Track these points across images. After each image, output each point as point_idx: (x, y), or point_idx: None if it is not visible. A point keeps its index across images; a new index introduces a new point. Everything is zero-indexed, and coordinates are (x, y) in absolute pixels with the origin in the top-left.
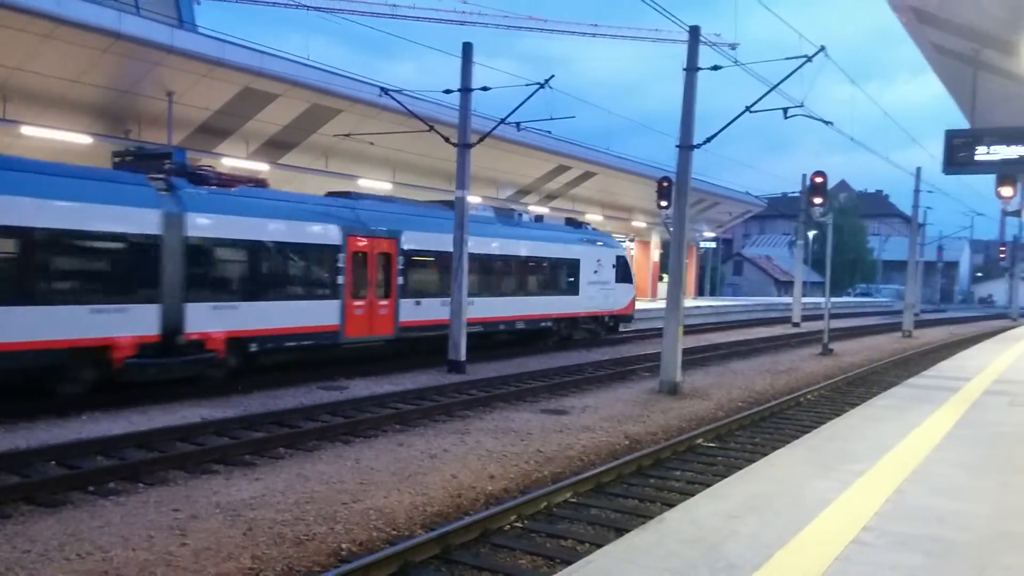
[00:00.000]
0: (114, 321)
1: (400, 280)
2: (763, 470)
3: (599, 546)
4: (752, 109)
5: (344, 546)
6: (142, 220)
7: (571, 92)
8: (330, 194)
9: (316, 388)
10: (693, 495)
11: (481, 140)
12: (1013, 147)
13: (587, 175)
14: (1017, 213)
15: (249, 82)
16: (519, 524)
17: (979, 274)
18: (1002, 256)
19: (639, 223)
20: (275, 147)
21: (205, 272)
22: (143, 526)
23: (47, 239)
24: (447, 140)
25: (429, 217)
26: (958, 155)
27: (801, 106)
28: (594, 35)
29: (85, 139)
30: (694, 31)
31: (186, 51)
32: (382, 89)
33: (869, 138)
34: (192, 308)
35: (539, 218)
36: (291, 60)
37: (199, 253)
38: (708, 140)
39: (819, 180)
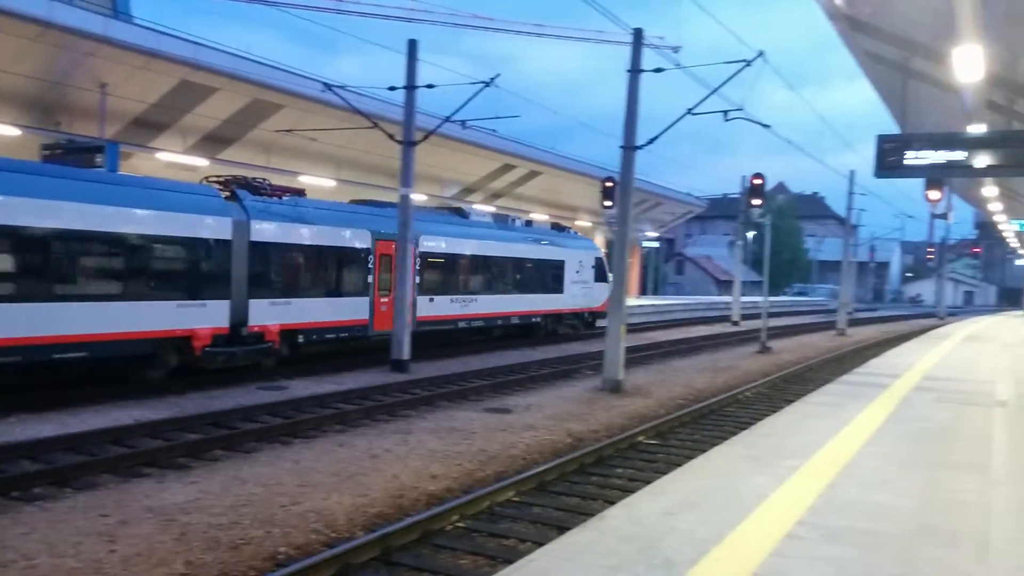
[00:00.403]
0: (195, 315)
1: (417, 279)
2: (701, 466)
3: (540, 545)
4: (694, 111)
5: (282, 550)
6: (218, 227)
7: (516, 91)
8: (354, 202)
9: (255, 388)
10: (633, 492)
11: (426, 138)
12: (940, 152)
13: (532, 174)
14: (944, 216)
15: (186, 75)
16: (461, 524)
17: (909, 274)
18: (930, 257)
19: (583, 222)
20: (214, 142)
21: (265, 272)
22: (70, 532)
23: (150, 243)
24: (391, 137)
25: (440, 223)
26: (889, 159)
27: (741, 109)
28: (539, 35)
29: (13, 131)
30: (637, 34)
31: (120, 42)
32: (325, 85)
33: (806, 142)
34: (254, 304)
35: (528, 222)
36: (230, 53)
37: (260, 255)
38: (651, 141)
39: (757, 182)
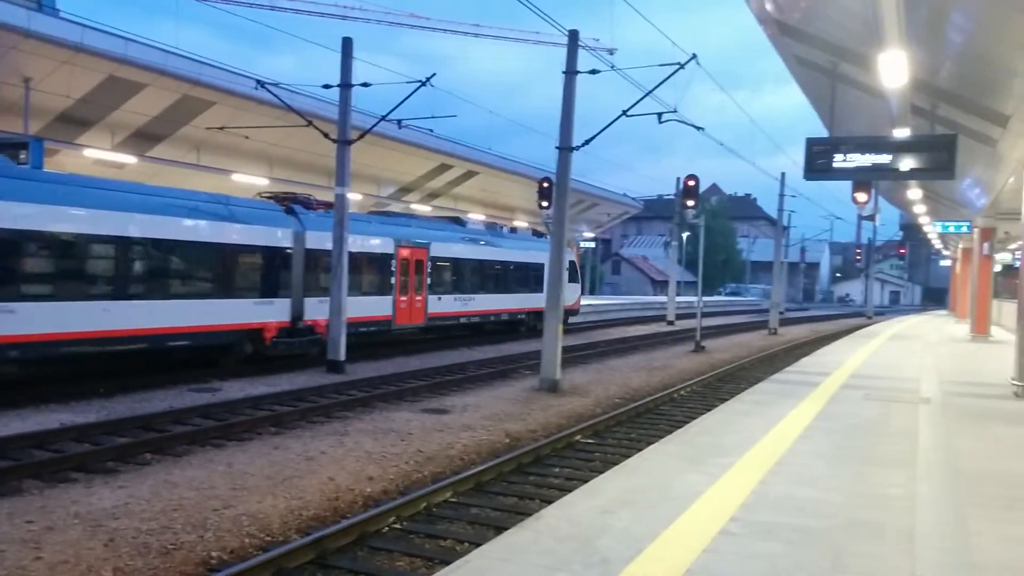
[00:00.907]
0: (266, 310)
1: (428, 280)
2: (637, 465)
3: (477, 545)
4: (628, 113)
5: (214, 554)
6: (283, 237)
7: (453, 91)
8: (372, 213)
9: (186, 391)
10: (570, 491)
11: (361, 137)
12: (867, 155)
13: (469, 174)
14: (871, 217)
15: (114, 70)
16: (398, 526)
17: (838, 274)
18: (858, 258)
19: (521, 223)
20: (143, 139)
21: (316, 275)
22: None
23: (237, 251)
24: (326, 136)
25: (447, 231)
26: (818, 162)
27: (675, 112)
28: (476, 35)
29: None
30: (573, 35)
31: (45, 36)
32: (258, 82)
33: (739, 144)
34: (308, 301)
35: (513, 230)
36: (160, 48)
37: (312, 260)
38: (587, 142)
39: (691, 183)
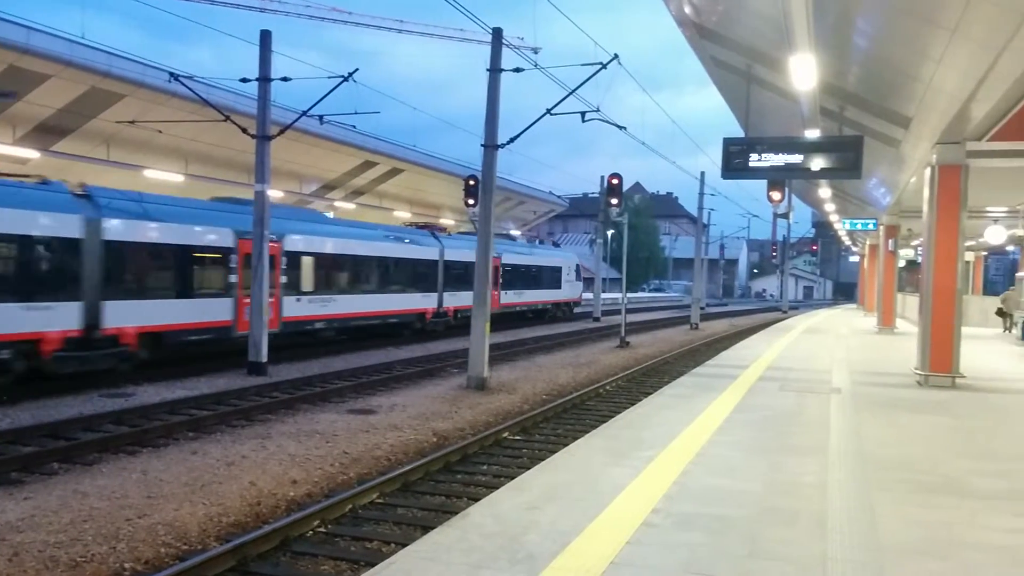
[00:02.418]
0: (420, 300)
1: (283, 279)
2: (563, 460)
3: (404, 546)
4: (552, 112)
5: (127, 565)
6: (434, 253)
7: (378, 87)
8: (219, 200)
9: (98, 396)
10: (497, 489)
11: (282, 132)
12: (780, 155)
13: (394, 171)
14: (786, 215)
15: (15, 60)
16: (322, 529)
17: (755, 271)
18: (774, 255)
19: (448, 220)
20: (47, 133)
21: (448, 277)
22: None
23: (415, 263)
24: (245, 131)
25: (462, 239)
26: (734, 161)
27: (598, 111)
28: (400, 31)
29: None
30: (497, 33)
31: None
32: (171, 74)
33: (660, 143)
34: (447, 295)
35: (541, 242)
36: (64, 38)
37: (447, 267)
38: (512, 140)
39: (615, 182)
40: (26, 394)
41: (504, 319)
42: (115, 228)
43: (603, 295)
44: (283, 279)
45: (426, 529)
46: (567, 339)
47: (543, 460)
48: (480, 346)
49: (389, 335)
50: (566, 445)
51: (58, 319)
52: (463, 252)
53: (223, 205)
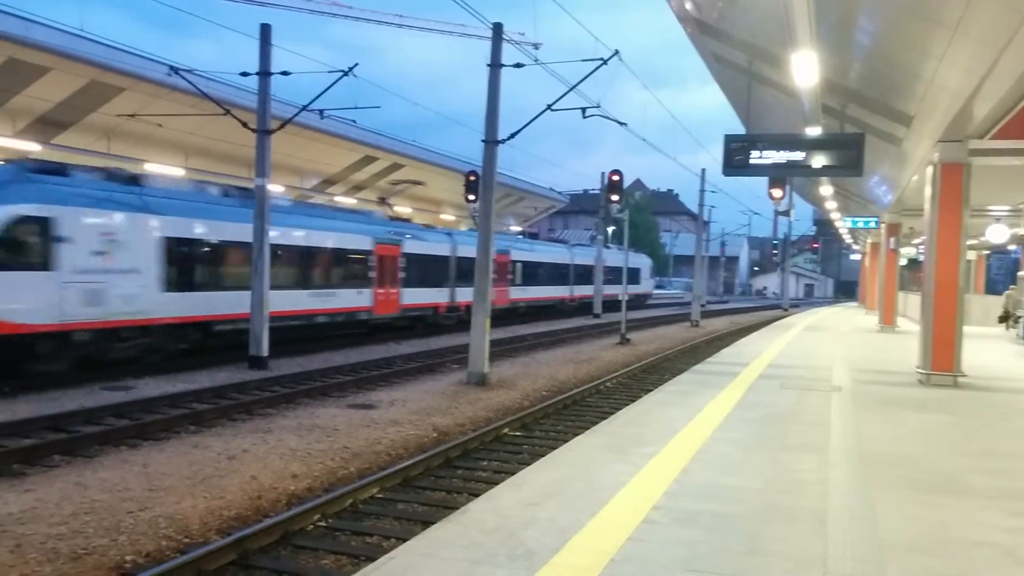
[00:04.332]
0: (441, 295)
1: (510, 277)
2: (563, 456)
3: (404, 541)
4: (553, 107)
5: (128, 558)
6: (446, 249)
7: (379, 82)
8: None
9: (99, 389)
10: (497, 484)
11: (282, 127)
12: (782, 152)
13: (395, 167)
14: (787, 213)
15: (14, 52)
16: (323, 523)
17: (756, 268)
18: (775, 252)
19: (448, 216)
20: (48, 125)
21: (462, 273)
22: None
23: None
24: (245, 125)
25: (521, 241)
26: (735, 158)
27: (598, 107)
28: (400, 26)
29: None
30: (497, 28)
31: None
32: (171, 68)
33: (661, 140)
34: (459, 290)
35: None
36: (64, 31)
37: (459, 264)
38: (512, 136)
39: (616, 178)
40: (27, 387)
41: (604, 306)
42: (457, 249)
43: (603, 290)
44: (402, 275)
45: (426, 524)
46: (567, 335)
47: (543, 456)
48: (480, 342)
49: (404, 328)
50: (566, 441)
51: (441, 296)
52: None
53: (359, 217)
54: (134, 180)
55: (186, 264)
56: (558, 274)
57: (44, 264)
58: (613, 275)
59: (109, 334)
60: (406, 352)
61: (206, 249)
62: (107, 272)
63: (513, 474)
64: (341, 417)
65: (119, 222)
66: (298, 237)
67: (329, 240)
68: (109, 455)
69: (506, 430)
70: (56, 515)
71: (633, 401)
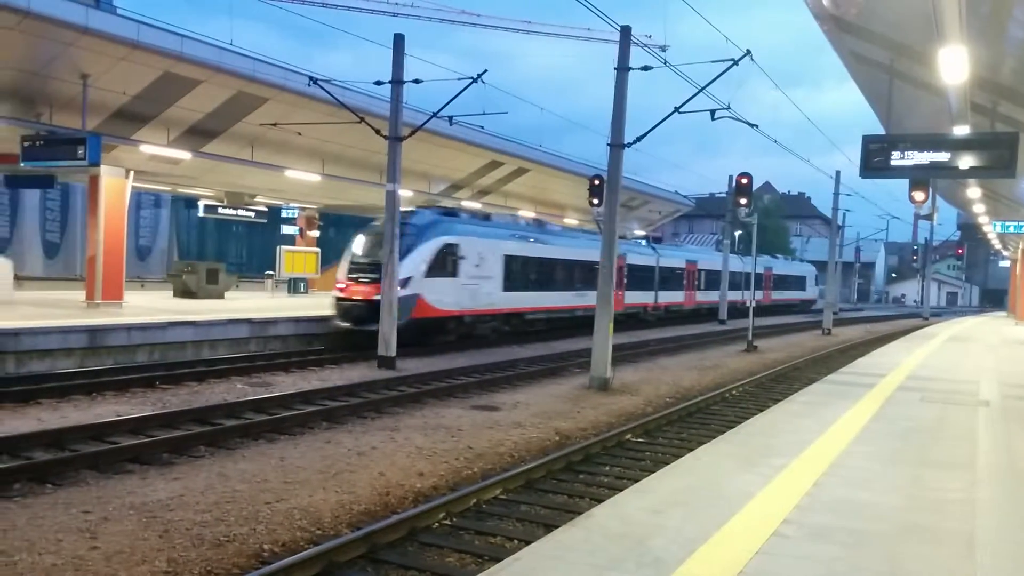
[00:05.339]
0: (647, 298)
1: (625, 280)
2: (689, 465)
3: (528, 543)
4: (681, 110)
5: (266, 547)
6: (653, 259)
7: (505, 88)
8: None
9: (239, 384)
10: (621, 490)
11: (413, 133)
12: (925, 153)
13: (520, 171)
14: (929, 217)
15: (169, 66)
16: (448, 522)
17: (893, 275)
18: (915, 258)
19: (571, 220)
20: (198, 135)
21: (664, 279)
22: (51, 529)
23: (678, 271)
24: (378, 132)
25: (638, 246)
26: (874, 160)
27: (728, 108)
28: (527, 32)
29: None
30: (625, 31)
31: (102, 32)
32: (311, 79)
33: (793, 141)
34: (662, 293)
35: (658, 239)
36: (215, 45)
37: (661, 273)
38: (638, 139)
39: (744, 181)
40: (174, 379)
41: (765, 311)
42: (660, 260)
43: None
44: (624, 281)
45: (548, 527)
46: (692, 341)
47: (667, 464)
48: (603, 346)
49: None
50: (691, 449)
51: (647, 297)
52: (671, 259)
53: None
54: (486, 217)
55: (513, 273)
56: (729, 281)
57: (454, 273)
58: (778, 283)
59: (479, 318)
60: (528, 355)
61: (523, 263)
62: (479, 278)
63: (636, 481)
64: (465, 418)
65: (484, 246)
66: (574, 254)
67: (590, 255)
68: (249, 448)
69: (628, 436)
70: (200, 503)
71: (761, 411)
